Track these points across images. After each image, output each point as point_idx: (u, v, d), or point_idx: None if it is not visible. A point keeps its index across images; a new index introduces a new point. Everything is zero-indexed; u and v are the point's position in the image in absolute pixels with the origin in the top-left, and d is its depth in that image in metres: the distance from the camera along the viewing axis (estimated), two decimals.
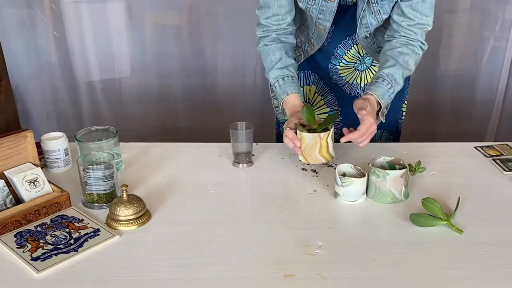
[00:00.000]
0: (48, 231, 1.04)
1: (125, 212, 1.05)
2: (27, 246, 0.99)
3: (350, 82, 1.55)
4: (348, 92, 1.56)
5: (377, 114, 1.34)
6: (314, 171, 1.31)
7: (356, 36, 1.42)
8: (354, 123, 1.54)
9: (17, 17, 2.41)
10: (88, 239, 1.01)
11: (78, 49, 2.47)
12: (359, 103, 1.27)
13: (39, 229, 1.04)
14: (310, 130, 1.21)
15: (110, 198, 1.14)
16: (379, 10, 1.36)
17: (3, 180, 1.10)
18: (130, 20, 2.43)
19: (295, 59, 1.45)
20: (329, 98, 1.58)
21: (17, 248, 0.98)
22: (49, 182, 1.15)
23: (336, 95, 1.57)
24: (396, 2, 1.33)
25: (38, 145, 1.27)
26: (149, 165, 1.36)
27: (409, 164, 1.30)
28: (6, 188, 1.10)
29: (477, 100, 2.57)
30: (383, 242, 1.01)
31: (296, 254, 0.97)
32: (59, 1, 2.37)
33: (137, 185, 1.24)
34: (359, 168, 1.18)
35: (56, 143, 1.30)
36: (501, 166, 1.33)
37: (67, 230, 1.04)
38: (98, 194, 1.13)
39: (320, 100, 1.58)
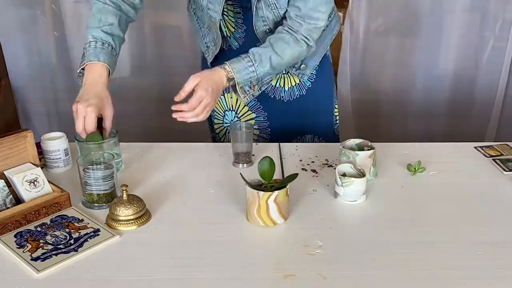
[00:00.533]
0: (48, 231, 1.04)
1: (125, 212, 1.05)
2: (27, 246, 0.99)
3: (273, 84, 1.51)
4: (273, 96, 1.52)
5: (235, 91, 1.32)
6: (314, 171, 1.31)
7: (254, 28, 1.38)
8: (282, 128, 1.54)
9: (17, 17, 2.41)
10: (88, 239, 1.01)
11: (78, 49, 2.46)
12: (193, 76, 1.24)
13: (39, 229, 1.04)
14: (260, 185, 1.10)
15: (110, 198, 1.14)
16: (275, 4, 1.33)
17: (3, 180, 1.10)
18: None
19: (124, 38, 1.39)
20: (253, 103, 1.54)
21: (17, 248, 0.98)
22: (49, 182, 1.15)
23: (259, 99, 1.51)
24: None
25: (38, 145, 1.27)
26: (149, 165, 1.36)
27: (409, 164, 1.30)
28: (6, 188, 1.10)
29: (477, 100, 2.57)
30: (383, 242, 1.01)
31: (296, 254, 0.97)
32: (59, 1, 2.37)
33: (137, 185, 1.24)
34: (359, 168, 1.18)
35: (56, 143, 1.30)
36: (501, 166, 1.33)
37: (67, 230, 1.04)
38: (98, 194, 1.13)
39: (244, 106, 1.55)
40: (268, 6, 1.33)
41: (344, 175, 1.17)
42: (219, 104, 1.58)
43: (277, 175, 1.17)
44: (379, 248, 0.99)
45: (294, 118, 1.55)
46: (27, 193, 1.10)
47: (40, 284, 0.90)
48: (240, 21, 1.43)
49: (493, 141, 1.51)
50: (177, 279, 0.91)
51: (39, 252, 0.97)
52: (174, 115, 1.24)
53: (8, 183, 1.11)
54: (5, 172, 1.13)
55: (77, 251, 0.97)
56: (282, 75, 1.51)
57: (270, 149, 1.43)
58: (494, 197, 1.19)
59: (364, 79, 2.53)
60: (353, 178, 1.14)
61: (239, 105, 1.55)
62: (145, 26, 2.46)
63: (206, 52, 1.55)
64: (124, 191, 1.07)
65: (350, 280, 0.90)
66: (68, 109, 2.76)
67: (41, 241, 1.00)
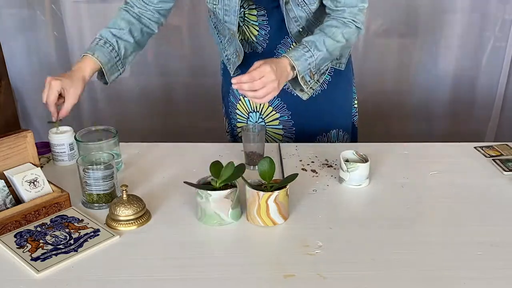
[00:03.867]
0: (48, 231, 1.04)
1: (125, 212, 1.05)
2: (27, 246, 0.99)
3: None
4: (295, 94, 1.48)
5: (298, 83, 1.30)
6: (314, 171, 1.31)
7: (289, 32, 1.38)
8: (307, 126, 1.52)
9: (17, 17, 2.41)
10: (88, 239, 1.01)
11: (78, 49, 2.47)
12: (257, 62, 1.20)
13: (39, 229, 1.04)
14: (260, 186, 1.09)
15: (110, 198, 1.14)
16: (304, 1, 1.32)
17: (3, 180, 1.10)
18: None
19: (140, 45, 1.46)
20: (277, 103, 1.53)
21: (17, 248, 0.98)
22: (49, 182, 1.15)
23: (283, 99, 1.51)
24: None
25: (38, 145, 1.27)
26: (149, 165, 1.36)
27: None
28: (6, 188, 1.10)
29: (476, 101, 2.57)
30: (383, 243, 1.01)
31: (296, 254, 0.97)
32: (59, 1, 2.37)
33: (137, 185, 1.24)
34: (361, 154, 1.21)
35: (61, 137, 1.33)
36: (501, 166, 1.33)
37: (67, 230, 1.04)
38: (98, 194, 1.13)
39: (268, 107, 1.54)
40: (298, 5, 1.33)
41: (347, 161, 1.21)
42: (243, 107, 1.58)
43: (277, 175, 1.17)
44: (379, 248, 0.99)
45: (318, 115, 1.53)
46: (27, 193, 1.10)
47: (40, 284, 0.90)
48: (264, 23, 1.42)
49: (493, 141, 1.51)
50: (177, 279, 0.91)
51: (39, 252, 0.97)
52: (234, 86, 1.20)
53: (8, 183, 1.11)
54: (5, 172, 1.13)
55: (77, 251, 0.97)
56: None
57: (270, 149, 1.43)
58: (494, 197, 1.19)
59: (364, 79, 2.53)
60: (358, 164, 1.18)
61: (263, 106, 1.55)
62: None
63: (228, 64, 1.56)
64: (124, 191, 1.07)
65: (350, 280, 0.90)
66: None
67: (41, 241, 1.00)
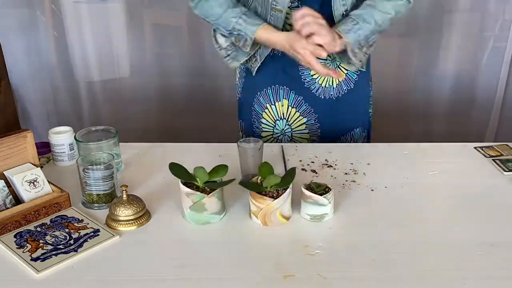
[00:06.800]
0: (48, 232, 1.04)
1: (125, 213, 1.05)
2: (27, 247, 0.99)
3: (323, 85, 1.49)
4: (322, 97, 1.50)
5: (346, 57, 1.30)
6: (314, 171, 1.31)
7: (333, 12, 1.35)
8: (332, 126, 1.51)
9: (17, 17, 2.41)
10: (88, 240, 1.01)
11: (78, 50, 2.47)
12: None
13: (38, 229, 1.04)
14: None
15: (110, 198, 1.14)
16: None
17: (3, 181, 1.10)
18: (130, 20, 2.43)
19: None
20: (304, 108, 1.51)
21: (17, 248, 0.98)
22: (49, 182, 1.15)
23: (310, 103, 1.51)
24: None
25: (38, 145, 1.27)
26: (149, 165, 1.36)
27: None
28: (6, 188, 1.10)
29: (477, 101, 2.57)
30: (383, 243, 1.01)
31: (296, 255, 0.97)
32: (59, 1, 2.37)
33: (137, 185, 1.24)
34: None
35: (61, 137, 1.33)
36: (501, 167, 1.33)
37: (66, 230, 1.04)
38: (98, 195, 1.13)
39: (295, 112, 1.53)
40: None
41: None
42: (269, 114, 1.55)
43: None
44: (379, 248, 0.99)
45: (343, 114, 1.53)
46: (27, 193, 1.10)
47: (39, 284, 0.90)
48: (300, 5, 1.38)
49: (493, 141, 1.51)
50: (177, 279, 0.91)
51: (39, 252, 0.97)
52: (299, 20, 1.22)
53: (8, 183, 1.11)
54: (5, 172, 1.13)
55: (76, 251, 0.97)
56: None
57: (270, 149, 1.43)
58: (494, 197, 1.19)
59: None
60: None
61: (290, 113, 1.53)
62: (145, 26, 2.46)
63: (251, 60, 1.50)
64: (124, 191, 1.07)
65: (350, 281, 0.90)
66: (68, 109, 2.77)
67: (41, 241, 1.00)
